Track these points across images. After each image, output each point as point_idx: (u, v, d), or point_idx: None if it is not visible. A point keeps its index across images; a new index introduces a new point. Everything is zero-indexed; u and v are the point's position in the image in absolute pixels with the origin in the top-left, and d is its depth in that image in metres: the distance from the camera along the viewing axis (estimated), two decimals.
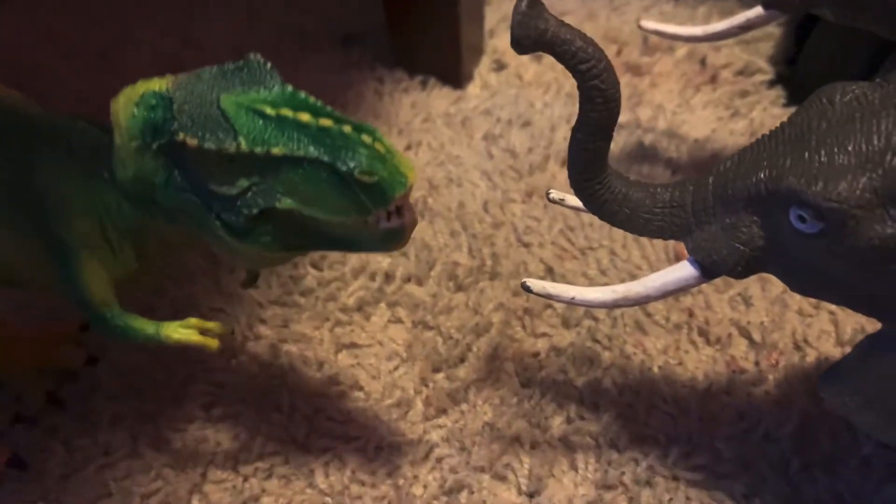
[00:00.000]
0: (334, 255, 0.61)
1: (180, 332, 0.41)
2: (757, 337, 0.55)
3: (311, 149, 0.34)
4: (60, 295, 0.42)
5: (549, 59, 0.75)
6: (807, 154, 0.32)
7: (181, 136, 0.35)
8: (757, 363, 0.54)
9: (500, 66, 0.75)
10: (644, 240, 0.61)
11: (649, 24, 0.55)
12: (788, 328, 0.55)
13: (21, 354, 0.52)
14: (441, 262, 0.60)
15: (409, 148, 0.69)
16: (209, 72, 0.36)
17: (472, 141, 0.69)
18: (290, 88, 0.36)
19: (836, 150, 0.31)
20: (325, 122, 0.34)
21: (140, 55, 0.77)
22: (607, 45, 0.75)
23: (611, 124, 0.35)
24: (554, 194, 0.42)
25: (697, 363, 0.54)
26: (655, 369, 0.54)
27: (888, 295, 0.33)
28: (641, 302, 0.38)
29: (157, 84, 0.37)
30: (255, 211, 0.36)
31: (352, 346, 0.56)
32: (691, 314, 0.56)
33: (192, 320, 0.42)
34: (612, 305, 0.39)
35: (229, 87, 0.36)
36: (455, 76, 0.73)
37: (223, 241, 0.38)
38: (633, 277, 0.59)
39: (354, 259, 0.61)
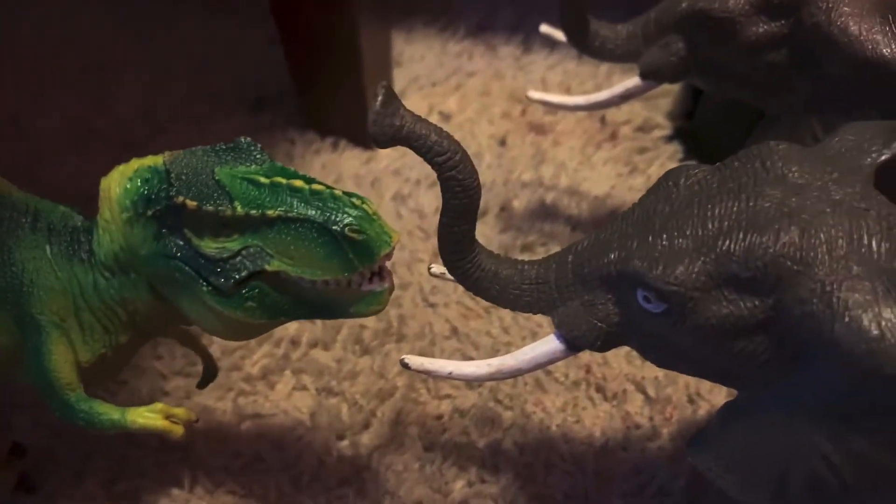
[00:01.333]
0: None
1: (146, 416, 0.41)
2: (652, 392, 0.57)
3: (305, 210, 0.36)
4: (25, 380, 0.42)
5: (457, 119, 0.78)
6: (650, 237, 0.34)
7: (180, 198, 0.36)
8: (651, 418, 0.56)
9: None
10: None
11: (535, 94, 0.57)
12: (682, 382, 0.57)
13: None
14: (348, 325, 0.61)
15: None
16: (202, 150, 0.38)
17: (382, 201, 0.70)
18: (279, 164, 0.39)
19: (675, 233, 0.33)
20: (317, 187, 0.36)
21: (51, 120, 0.77)
22: (513, 104, 0.78)
23: (472, 209, 0.36)
24: (435, 269, 0.43)
25: (595, 419, 0.56)
26: (554, 427, 0.55)
27: (734, 368, 0.34)
28: (514, 374, 0.40)
29: (152, 160, 0.38)
30: (244, 273, 0.37)
31: (255, 416, 0.56)
32: (589, 370, 0.58)
33: (158, 405, 0.42)
34: (486, 379, 0.40)
35: (222, 162, 0.38)
36: (365, 137, 0.75)
37: (208, 306, 0.38)
38: (535, 335, 0.60)
39: None
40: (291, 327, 0.61)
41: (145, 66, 0.82)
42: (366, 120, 0.76)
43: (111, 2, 0.88)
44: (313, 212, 0.36)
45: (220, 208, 0.36)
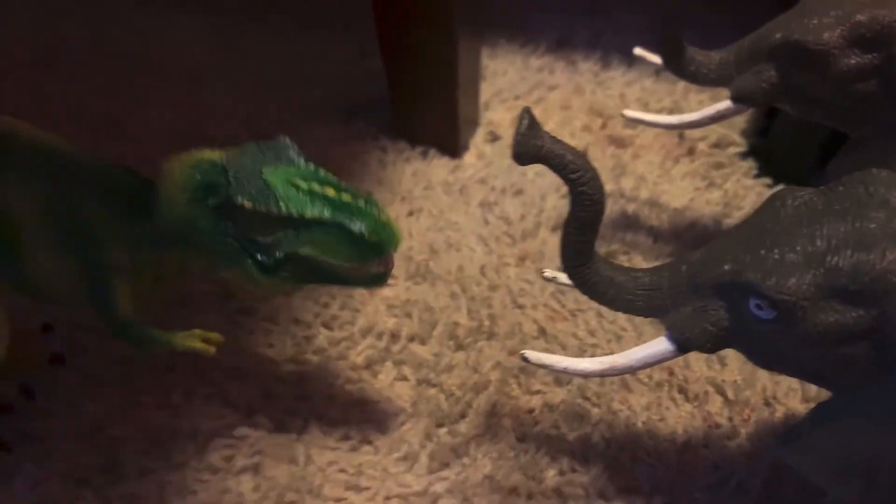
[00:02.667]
0: (344, 316, 0.66)
1: (186, 338, 0.51)
2: (731, 394, 0.60)
3: (335, 215, 0.44)
4: (87, 308, 0.50)
5: None
6: (763, 251, 0.38)
7: (240, 199, 0.44)
8: (731, 419, 0.59)
9: (494, 138, 0.81)
10: None
11: (631, 113, 0.61)
12: (759, 386, 0.61)
13: None
14: (442, 322, 0.66)
15: (411, 214, 0.75)
16: (251, 147, 0.46)
17: (469, 208, 0.75)
18: (312, 165, 0.46)
19: (786, 249, 0.37)
20: (345, 197, 0.45)
21: (155, 124, 0.82)
22: (593, 118, 0.82)
23: (597, 221, 0.41)
24: (547, 273, 0.48)
25: (677, 419, 0.60)
26: (639, 424, 0.59)
27: (833, 372, 0.38)
28: (625, 372, 0.44)
29: (211, 154, 0.46)
30: (282, 255, 0.46)
31: (361, 402, 0.61)
32: (671, 373, 0.62)
33: (197, 331, 0.52)
34: (598, 374, 0.44)
35: (267, 161, 0.45)
36: (453, 147, 0.79)
37: (251, 275, 0.47)
38: (619, 338, 0.64)
39: (362, 320, 0.66)
40: (390, 322, 0.66)
41: (240, 78, 0.87)
42: (454, 130, 0.81)
43: (206, 17, 0.93)
44: (341, 218, 0.44)
45: (269, 209, 0.44)
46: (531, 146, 0.38)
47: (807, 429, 0.42)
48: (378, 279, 0.48)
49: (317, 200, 0.44)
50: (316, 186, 0.45)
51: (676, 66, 0.57)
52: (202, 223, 0.46)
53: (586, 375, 0.44)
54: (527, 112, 0.38)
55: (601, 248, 0.70)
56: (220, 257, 0.47)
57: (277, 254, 0.46)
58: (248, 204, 0.44)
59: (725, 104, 0.57)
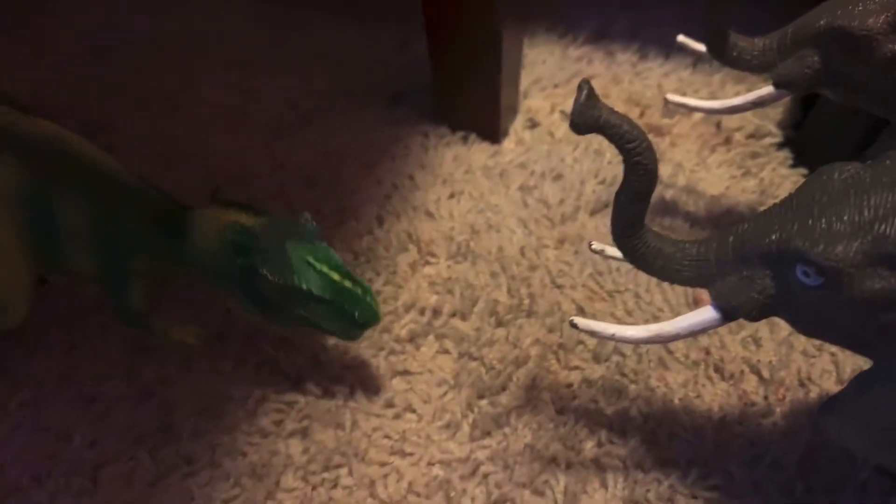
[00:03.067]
0: (388, 291, 0.68)
1: (178, 332, 0.59)
2: (766, 374, 0.62)
3: (336, 297, 0.53)
4: (106, 292, 0.57)
5: None
6: (810, 221, 0.39)
7: (263, 270, 0.52)
8: (766, 397, 0.61)
9: (533, 125, 0.83)
10: (665, 284, 0.68)
11: (674, 97, 0.63)
12: (794, 367, 0.62)
13: None
14: (483, 299, 0.67)
15: (452, 196, 0.76)
16: (279, 221, 0.53)
17: (509, 191, 0.77)
18: (324, 245, 0.54)
19: (834, 219, 0.39)
20: (347, 284, 0.53)
21: (206, 106, 0.85)
22: (630, 107, 0.83)
23: (649, 191, 0.42)
24: (595, 245, 0.49)
25: (713, 396, 0.61)
26: (676, 401, 0.61)
27: (878, 338, 0.40)
28: (671, 339, 0.45)
29: (245, 218, 0.53)
30: (287, 311, 0.54)
31: (405, 372, 0.63)
32: (708, 353, 0.63)
33: (191, 328, 0.59)
34: (645, 342, 0.46)
35: (291, 235, 0.53)
36: (493, 133, 0.81)
37: (255, 314, 0.55)
38: (656, 319, 0.66)
39: (405, 295, 0.68)
40: (432, 298, 0.68)
41: (287, 64, 0.89)
42: (496, 116, 0.83)
43: (254, 5, 0.96)
44: (342, 301, 0.53)
45: (286, 281, 0.52)
46: (589, 116, 0.40)
47: (848, 398, 0.43)
48: (354, 337, 0.57)
49: (325, 281, 0.53)
50: (326, 269, 0.53)
51: (720, 52, 0.59)
52: (223, 270, 0.53)
53: (633, 342, 0.45)
54: (586, 83, 0.40)
55: None
56: (231, 293, 0.55)
57: (284, 313, 0.54)
58: (269, 276, 0.52)
59: (767, 90, 0.59)
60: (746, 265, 0.42)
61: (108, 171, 0.54)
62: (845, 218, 0.38)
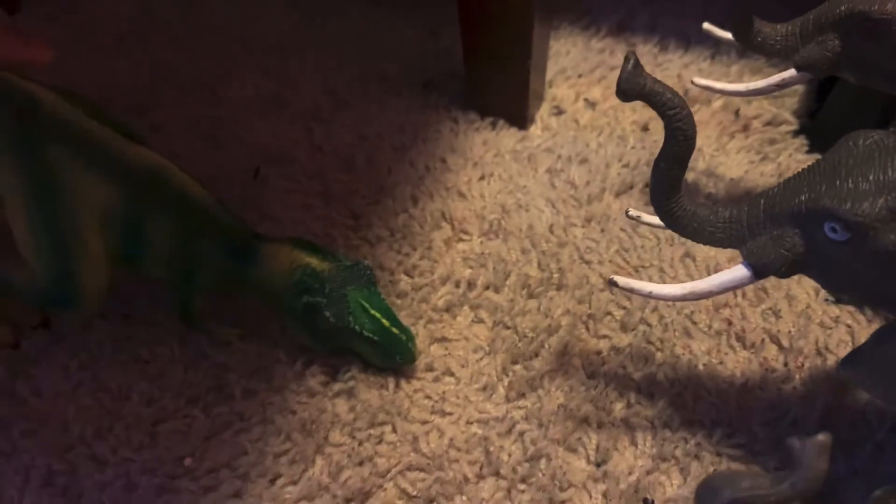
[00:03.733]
0: (424, 265, 0.72)
1: (227, 334, 0.65)
2: (785, 343, 0.65)
3: (382, 339, 0.60)
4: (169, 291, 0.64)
5: (602, 106, 0.87)
6: (838, 182, 0.43)
7: (326, 313, 0.59)
8: (786, 364, 0.64)
9: (558, 112, 0.87)
10: (688, 261, 0.71)
11: (700, 80, 0.66)
12: (812, 337, 0.65)
13: None
14: (515, 273, 0.71)
15: (482, 178, 0.80)
16: (342, 266, 0.60)
17: (537, 174, 0.80)
18: (378, 291, 0.61)
19: (860, 179, 0.42)
20: (394, 330, 0.60)
21: (244, 91, 0.89)
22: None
23: (687, 156, 0.46)
24: (632, 212, 0.53)
25: (735, 363, 0.65)
26: (700, 367, 0.64)
27: None
28: (705, 296, 0.49)
29: (316, 262, 0.60)
30: (336, 343, 0.61)
31: (443, 339, 0.66)
32: (730, 323, 0.67)
33: (236, 331, 0.66)
34: (680, 299, 0.49)
35: (350, 281, 0.60)
36: (521, 119, 0.85)
37: (304, 339, 0.62)
38: None
39: (441, 269, 0.71)
40: (466, 272, 0.71)
41: (321, 50, 0.93)
42: (524, 104, 0.86)
43: None
44: (386, 343, 0.60)
45: (342, 322, 0.59)
46: (635, 83, 0.43)
47: (868, 350, 0.47)
48: (390, 367, 0.64)
49: (376, 326, 0.60)
50: (378, 314, 0.60)
51: (745, 37, 0.62)
52: (286, 303, 0.60)
53: (669, 300, 0.49)
54: (632, 54, 0.43)
55: None
56: (287, 319, 0.61)
57: (334, 343, 0.61)
58: (331, 318, 0.58)
59: (790, 72, 0.62)
60: (777, 225, 0.46)
61: (194, 198, 0.60)
62: (870, 178, 0.42)
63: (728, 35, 0.65)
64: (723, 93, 0.67)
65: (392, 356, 0.61)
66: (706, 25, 0.67)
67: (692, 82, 0.67)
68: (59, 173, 0.56)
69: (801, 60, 0.61)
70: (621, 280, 0.50)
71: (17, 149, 0.55)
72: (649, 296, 0.49)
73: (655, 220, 0.52)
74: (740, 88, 0.65)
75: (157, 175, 0.59)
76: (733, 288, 0.48)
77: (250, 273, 0.60)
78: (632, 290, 0.50)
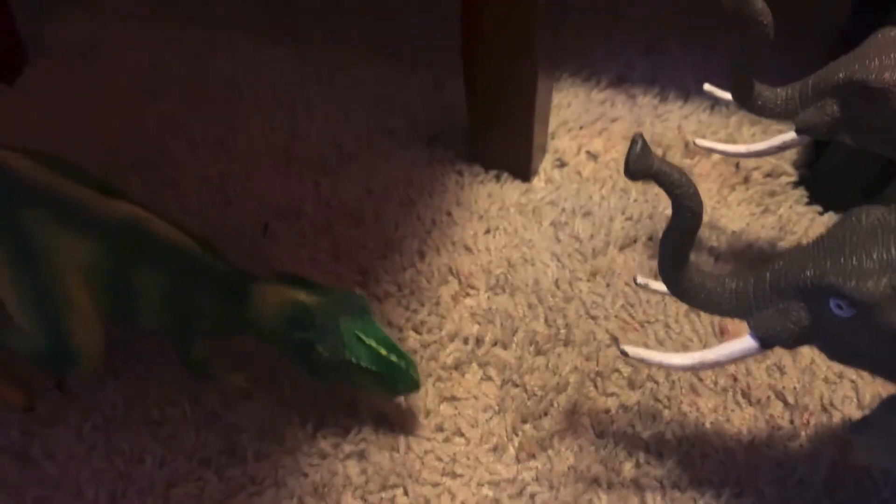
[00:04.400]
0: (432, 321, 0.73)
1: (236, 378, 0.66)
2: (791, 399, 0.66)
3: (383, 369, 0.58)
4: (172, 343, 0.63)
5: (603, 158, 0.88)
6: (842, 259, 0.44)
7: (319, 348, 0.57)
8: (791, 421, 0.65)
9: (561, 164, 0.88)
10: (693, 316, 0.72)
11: (702, 142, 0.68)
12: (817, 393, 0.66)
13: None
14: (522, 329, 0.72)
15: (488, 231, 0.81)
16: (333, 297, 0.59)
17: (542, 227, 0.81)
18: (372, 319, 0.59)
19: (864, 257, 0.43)
20: (393, 358, 0.58)
21: (253, 144, 0.90)
22: (654, 148, 0.88)
23: (694, 232, 0.47)
24: (640, 279, 0.54)
25: (742, 420, 0.65)
26: (707, 424, 0.65)
27: None
28: (713, 366, 0.50)
29: (304, 296, 0.58)
30: (336, 377, 0.59)
31: (452, 398, 0.67)
32: (735, 379, 0.68)
33: (243, 374, 0.66)
34: (689, 368, 0.50)
35: (343, 311, 0.58)
36: (524, 171, 0.86)
37: (305, 375, 0.60)
38: (686, 348, 0.70)
39: (449, 324, 0.72)
40: (474, 328, 0.72)
41: (329, 104, 0.94)
42: (527, 156, 0.88)
43: (295, 49, 1.01)
44: (386, 372, 0.58)
45: (337, 355, 0.57)
46: (643, 165, 0.44)
47: (877, 419, 0.48)
48: (394, 397, 0.64)
49: (374, 355, 0.58)
50: (374, 343, 0.58)
51: (746, 100, 0.64)
52: (280, 340, 0.59)
53: (679, 369, 0.50)
54: (640, 137, 0.45)
55: None
56: (286, 356, 0.60)
57: (332, 376, 0.59)
58: (323, 351, 0.57)
59: (790, 135, 0.64)
60: (782, 298, 0.47)
61: (179, 246, 0.59)
62: (874, 256, 0.43)
63: (728, 96, 0.67)
64: (725, 154, 0.68)
65: (394, 385, 0.59)
66: (707, 86, 0.69)
67: (695, 143, 0.69)
68: (37, 237, 0.56)
69: (802, 124, 0.62)
70: (631, 350, 0.50)
71: None
72: (659, 365, 0.50)
73: (663, 287, 0.53)
74: (741, 150, 0.67)
75: (135, 226, 0.58)
76: (741, 358, 0.49)
77: (244, 313, 0.60)
78: (642, 360, 0.51)
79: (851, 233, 0.45)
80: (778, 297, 0.47)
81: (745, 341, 0.49)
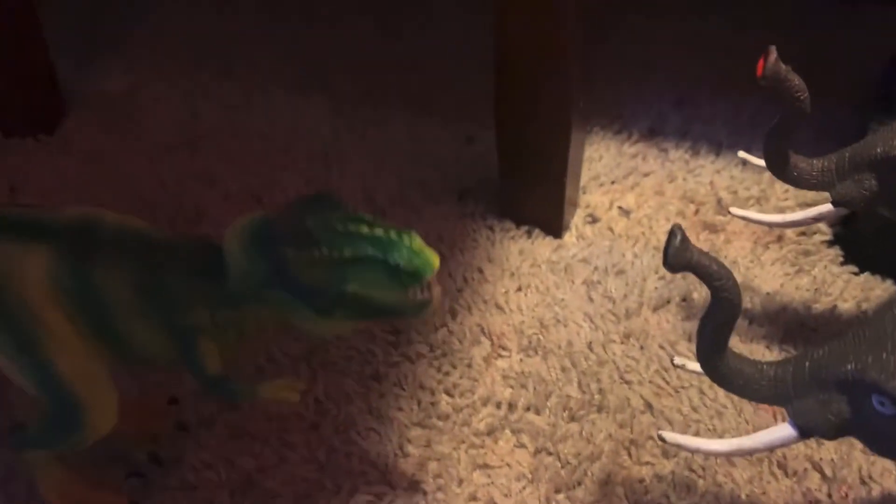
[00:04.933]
0: (464, 384, 0.73)
1: (271, 389, 0.58)
2: (828, 472, 0.65)
3: (370, 250, 0.49)
4: (182, 369, 0.57)
5: (636, 215, 0.88)
6: (884, 355, 0.44)
7: (283, 248, 0.49)
8: (829, 495, 0.64)
9: (593, 220, 0.88)
10: None
11: (737, 211, 0.68)
12: (855, 465, 0.65)
13: (121, 422, 0.63)
14: (556, 394, 0.72)
15: (519, 289, 0.81)
16: (297, 201, 0.52)
17: (574, 286, 0.81)
18: (350, 209, 0.51)
19: None
20: (378, 232, 0.49)
21: (288, 199, 0.91)
22: (686, 203, 0.88)
23: (733, 322, 0.47)
24: (677, 360, 0.54)
25: (778, 493, 0.65)
26: (743, 497, 0.64)
27: None
28: (750, 454, 0.50)
29: (260, 214, 0.52)
30: (333, 297, 0.50)
31: (485, 466, 0.67)
32: (771, 450, 0.67)
33: (280, 382, 0.59)
34: (727, 454, 0.50)
35: (311, 211, 0.50)
36: (556, 227, 0.86)
37: (310, 319, 0.52)
38: (720, 415, 0.70)
39: (481, 389, 0.72)
40: (507, 392, 0.72)
41: (362, 157, 0.96)
42: (559, 212, 0.87)
43: (328, 102, 1.02)
44: (377, 252, 0.49)
45: (311, 252, 0.49)
46: (683, 257, 0.45)
47: None
48: (424, 307, 0.52)
49: (353, 239, 0.49)
50: (351, 227, 0.49)
51: (781, 171, 0.64)
52: (257, 277, 0.51)
53: (717, 455, 0.49)
54: (679, 229, 0.45)
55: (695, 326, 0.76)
56: (282, 307, 0.52)
57: (328, 298, 0.50)
58: (291, 252, 0.49)
59: (827, 207, 0.64)
60: (823, 389, 0.47)
61: (138, 234, 0.54)
62: None
63: (761, 162, 0.67)
64: (760, 223, 0.68)
65: (397, 273, 0.49)
66: (741, 153, 0.69)
67: (729, 212, 0.69)
68: None
69: (839, 197, 0.62)
70: (669, 436, 0.50)
71: None
72: (696, 451, 0.50)
73: (700, 368, 0.53)
74: (777, 220, 0.67)
75: (85, 224, 0.53)
76: (780, 446, 0.49)
77: (228, 282, 0.52)
78: (679, 446, 0.50)
79: (893, 327, 0.45)
80: (818, 388, 0.47)
81: (783, 429, 0.48)
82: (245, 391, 0.59)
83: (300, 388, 0.58)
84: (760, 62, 0.56)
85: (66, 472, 0.62)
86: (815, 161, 0.64)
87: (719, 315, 0.47)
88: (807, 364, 0.48)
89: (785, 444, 0.49)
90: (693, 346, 0.74)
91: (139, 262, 0.54)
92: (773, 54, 0.56)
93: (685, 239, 0.45)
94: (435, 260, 0.50)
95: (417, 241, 0.50)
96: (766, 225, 0.68)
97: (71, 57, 1.08)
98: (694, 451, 0.51)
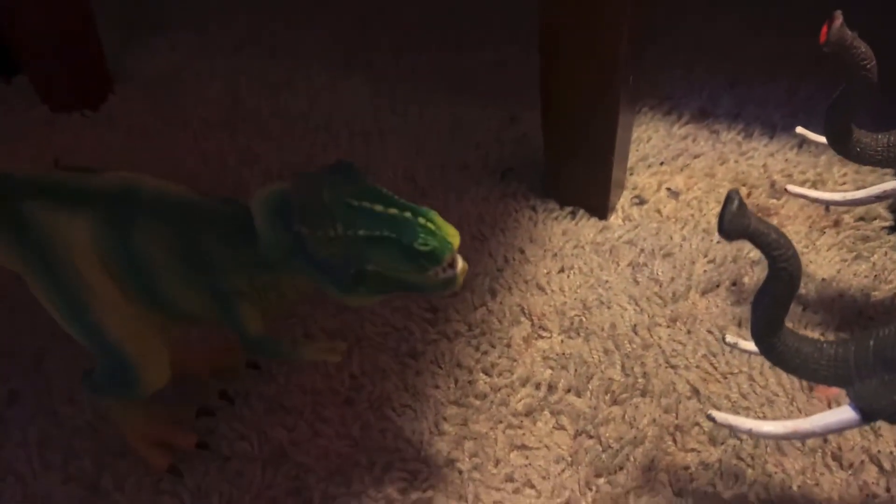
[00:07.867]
0: (503, 364, 0.71)
1: (313, 349, 0.59)
2: (887, 465, 0.62)
3: (385, 230, 0.48)
4: (224, 326, 0.57)
5: (685, 197, 0.85)
6: None
7: (298, 226, 0.49)
8: (888, 490, 0.61)
9: (640, 201, 0.85)
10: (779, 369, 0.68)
11: (794, 188, 0.65)
12: None
13: (191, 363, 0.67)
14: (597, 377, 0.69)
15: (562, 270, 0.79)
16: (316, 174, 0.50)
17: (619, 268, 0.79)
18: (367, 184, 0.50)
19: None
20: (392, 211, 0.48)
21: None
22: (737, 186, 0.85)
23: (791, 296, 0.44)
24: (729, 338, 0.51)
25: (832, 485, 0.61)
26: (795, 488, 0.61)
27: None
28: (807, 437, 0.47)
29: (280, 185, 0.51)
30: (352, 273, 0.49)
31: (523, 447, 0.65)
32: (825, 440, 0.64)
33: (322, 343, 0.59)
34: (781, 437, 0.47)
35: (328, 183, 0.49)
36: (601, 209, 0.84)
37: (334, 292, 0.51)
38: (770, 402, 0.66)
39: (520, 369, 0.70)
40: (547, 373, 0.70)
41: (403, 137, 0.94)
42: (605, 193, 0.85)
43: (369, 83, 1.01)
44: (391, 232, 0.47)
45: (326, 231, 0.48)
46: (739, 224, 0.42)
47: None
48: (448, 284, 0.50)
49: (368, 218, 0.48)
50: (367, 204, 0.48)
51: (843, 147, 0.60)
52: (279, 249, 0.51)
53: (769, 438, 0.47)
54: (736, 194, 0.42)
55: (749, 313, 0.73)
56: (311, 277, 0.52)
57: (348, 276, 0.49)
58: (306, 230, 0.48)
59: (892, 184, 0.60)
60: (888, 369, 0.43)
61: (176, 198, 0.55)
62: None
63: (822, 139, 0.63)
64: (819, 202, 0.65)
65: (413, 253, 0.47)
66: (799, 129, 0.66)
67: (786, 189, 0.65)
68: (40, 227, 0.53)
69: None
70: (719, 416, 0.48)
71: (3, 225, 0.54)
72: (748, 433, 0.47)
73: (753, 347, 0.50)
74: (837, 198, 0.63)
75: (126, 188, 0.54)
76: (839, 430, 0.46)
77: (255, 248, 0.52)
78: (730, 427, 0.48)
79: None
80: (883, 368, 0.44)
81: (844, 412, 0.45)
82: (288, 350, 0.58)
83: (342, 349, 0.57)
84: (824, 28, 0.53)
85: (143, 414, 0.63)
86: (879, 136, 0.60)
87: (777, 288, 0.44)
88: (871, 343, 0.45)
89: (845, 427, 0.46)
90: (744, 332, 0.71)
91: (178, 225, 0.54)
92: (839, 19, 0.53)
93: (742, 205, 0.42)
94: (454, 239, 0.48)
95: (435, 220, 0.48)
96: (825, 203, 0.65)
97: (117, 35, 1.09)
98: (745, 433, 0.48)
